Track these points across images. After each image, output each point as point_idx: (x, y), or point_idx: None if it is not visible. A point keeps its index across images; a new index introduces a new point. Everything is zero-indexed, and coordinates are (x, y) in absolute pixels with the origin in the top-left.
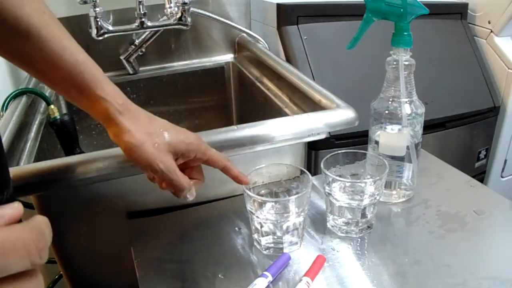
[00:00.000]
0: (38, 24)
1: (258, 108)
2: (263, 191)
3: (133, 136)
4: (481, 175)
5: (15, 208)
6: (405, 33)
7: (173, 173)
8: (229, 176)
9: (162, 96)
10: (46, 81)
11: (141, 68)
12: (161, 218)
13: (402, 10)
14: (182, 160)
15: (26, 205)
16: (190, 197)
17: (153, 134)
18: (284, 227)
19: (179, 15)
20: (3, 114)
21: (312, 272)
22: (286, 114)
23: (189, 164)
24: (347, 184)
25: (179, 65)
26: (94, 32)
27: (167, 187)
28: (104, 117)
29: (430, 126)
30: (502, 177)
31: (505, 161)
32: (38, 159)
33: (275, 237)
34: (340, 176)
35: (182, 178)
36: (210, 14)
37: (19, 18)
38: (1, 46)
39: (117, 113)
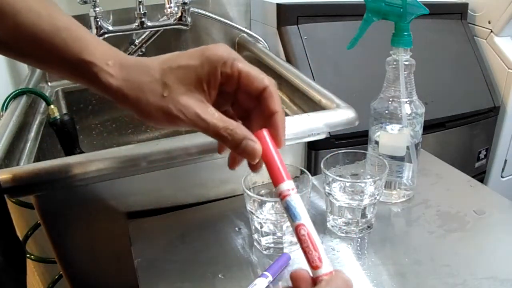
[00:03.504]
0: None
1: None
2: (263, 191)
3: (133, 103)
4: (481, 175)
5: None
6: (405, 33)
7: (201, 115)
8: (264, 113)
9: None
10: (16, 55)
11: None
12: (161, 218)
13: (402, 10)
14: (214, 90)
15: (26, 205)
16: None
17: (152, 83)
18: (284, 227)
19: (179, 15)
20: (3, 114)
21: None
22: (286, 114)
23: (240, 101)
24: (347, 184)
25: None
26: (94, 32)
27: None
28: (94, 84)
29: (430, 126)
30: (502, 177)
31: (505, 161)
32: (38, 159)
33: (275, 237)
34: (340, 176)
35: (215, 118)
36: (210, 14)
37: None
38: None
39: (108, 77)
